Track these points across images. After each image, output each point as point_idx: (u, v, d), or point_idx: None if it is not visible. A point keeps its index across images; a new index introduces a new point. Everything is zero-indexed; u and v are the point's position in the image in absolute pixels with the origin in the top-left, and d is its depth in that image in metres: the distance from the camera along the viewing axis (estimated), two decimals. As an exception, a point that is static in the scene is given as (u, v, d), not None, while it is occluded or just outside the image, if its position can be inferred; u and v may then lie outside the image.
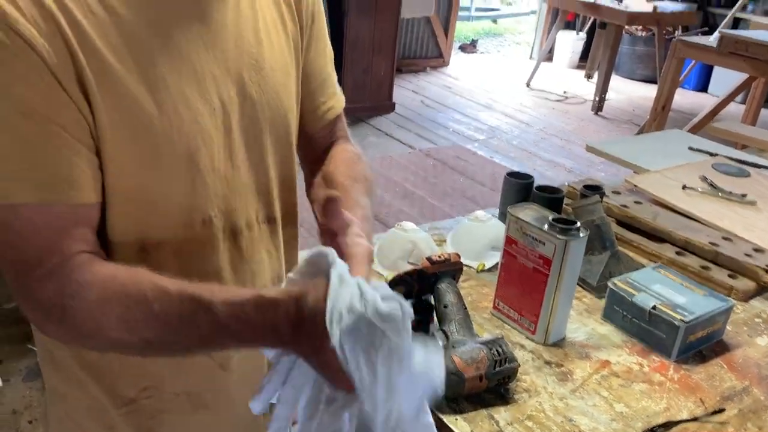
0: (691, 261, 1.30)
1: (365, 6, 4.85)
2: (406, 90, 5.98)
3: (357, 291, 0.59)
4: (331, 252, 0.64)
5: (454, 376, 0.88)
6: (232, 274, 0.80)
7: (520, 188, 1.37)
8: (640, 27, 6.59)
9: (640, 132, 4.76)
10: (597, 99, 5.76)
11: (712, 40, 3.83)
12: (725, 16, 4.88)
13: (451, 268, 1.01)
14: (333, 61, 0.96)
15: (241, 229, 0.80)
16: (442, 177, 4.19)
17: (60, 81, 0.62)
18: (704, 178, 1.68)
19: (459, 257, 1.02)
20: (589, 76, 6.77)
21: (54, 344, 0.82)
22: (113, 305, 0.64)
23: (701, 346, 1.08)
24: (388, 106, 5.35)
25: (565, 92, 6.35)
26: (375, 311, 0.57)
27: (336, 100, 0.96)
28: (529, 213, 1.05)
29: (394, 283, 0.99)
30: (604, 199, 1.43)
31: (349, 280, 0.60)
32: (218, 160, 0.75)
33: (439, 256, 0.99)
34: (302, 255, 0.67)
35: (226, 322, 0.63)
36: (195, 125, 0.71)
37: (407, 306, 0.58)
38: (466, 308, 0.99)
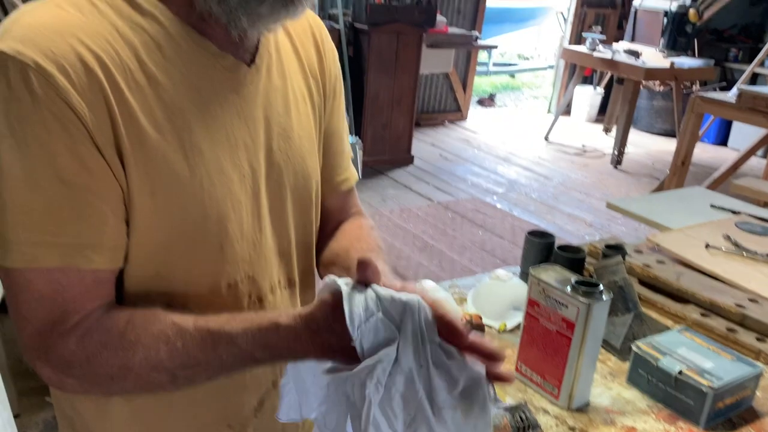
0: (717, 323, 1.28)
1: (385, 64, 4.97)
2: (424, 143, 6.05)
3: (372, 293, 0.62)
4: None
5: None
6: None
7: (542, 247, 1.37)
8: (658, 82, 6.64)
9: (661, 186, 4.74)
10: (616, 153, 5.78)
11: (730, 95, 3.85)
12: (743, 71, 4.91)
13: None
14: (348, 134, 0.99)
15: (265, 293, 0.81)
16: (461, 230, 4.19)
17: (100, 149, 0.64)
18: (728, 237, 1.66)
19: (480, 319, 1.02)
20: (607, 130, 6.81)
21: (74, 410, 0.82)
22: (138, 348, 0.66)
23: (730, 413, 1.05)
24: (407, 159, 5.41)
25: (583, 146, 6.38)
26: (391, 300, 0.61)
27: (350, 172, 0.99)
28: (551, 274, 1.04)
29: None
30: (626, 258, 1.42)
31: (358, 286, 0.64)
32: (246, 226, 0.77)
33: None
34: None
35: (249, 351, 0.67)
36: (226, 191, 0.73)
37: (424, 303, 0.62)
38: None
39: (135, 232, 0.69)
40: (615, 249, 1.38)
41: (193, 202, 0.70)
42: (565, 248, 1.35)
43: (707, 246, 1.59)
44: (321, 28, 0.91)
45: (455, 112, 6.92)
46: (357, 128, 5.08)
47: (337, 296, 0.63)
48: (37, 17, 0.63)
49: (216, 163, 0.72)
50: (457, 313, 0.95)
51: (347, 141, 0.99)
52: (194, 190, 0.70)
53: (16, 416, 2.20)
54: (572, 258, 1.31)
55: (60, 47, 0.62)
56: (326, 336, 0.65)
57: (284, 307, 0.85)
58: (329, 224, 0.96)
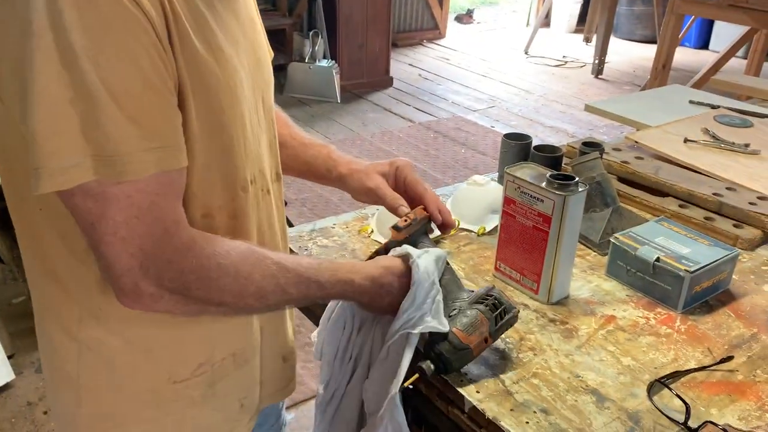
0: (695, 213, 1.28)
1: (357, -20, 4.80)
2: (403, 64, 5.93)
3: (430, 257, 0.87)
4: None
5: (461, 351, 0.84)
6: (268, 229, 0.86)
7: (519, 149, 1.35)
8: (638, -14, 6.48)
9: (642, 91, 4.70)
10: (597, 62, 5.70)
11: (710, -7, 3.76)
12: (723, -31, 4.78)
13: (420, 227, 0.96)
14: None
15: (268, 186, 0.85)
16: (443, 149, 4.16)
17: (166, 51, 0.64)
18: (706, 131, 1.65)
19: (424, 210, 0.97)
20: (587, 40, 6.69)
21: (103, 339, 0.77)
22: (254, 277, 0.72)
23: (708, 296, 1.06)
24: (385, 81, 5.31)
25: (564, 57, 6.28)
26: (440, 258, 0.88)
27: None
28: (526, 171, 1.03)
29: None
30: (605, 156, 1.41)
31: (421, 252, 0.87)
32: (253, 123, 0.79)
33: (405, 220, 0.96)
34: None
35: (329, 296, 0.83)
36: (242, 90, 0.74)
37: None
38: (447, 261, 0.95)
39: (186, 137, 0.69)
40: (593, 146, 1.37)
41: (225, 102, 0.71)
42: (542, 148, 1.34)
43: (686, 140, 1.58)
44: None
45: (433, 30, 6.75)
46: (332, 51, 4.95)
47: (406, 269, 0.85)
48: None
49: (232, 63, 0.72)
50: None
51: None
52: (225, 89, 0.71)
53: (9, 356, 2.22)
54: (549, 157, 1.30)
55: None
56: (387, 299, 0.84)
57: (276, 199, 0.88)
58: None
